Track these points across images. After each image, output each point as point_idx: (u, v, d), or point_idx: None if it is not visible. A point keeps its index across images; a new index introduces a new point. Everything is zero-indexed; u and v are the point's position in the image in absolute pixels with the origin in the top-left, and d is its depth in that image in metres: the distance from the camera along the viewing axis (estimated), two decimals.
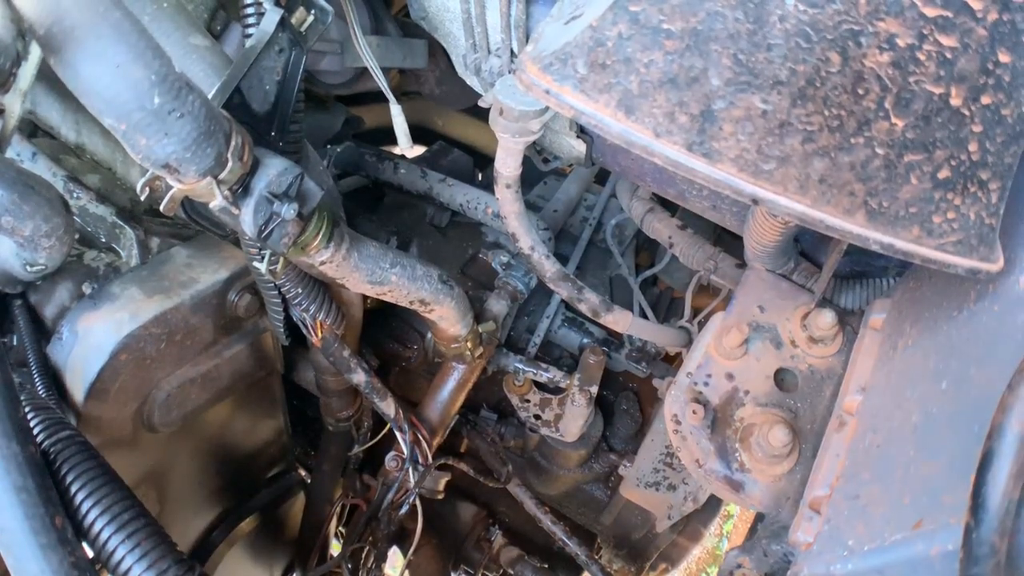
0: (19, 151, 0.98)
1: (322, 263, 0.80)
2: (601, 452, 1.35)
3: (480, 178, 1.63)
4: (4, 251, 0.77)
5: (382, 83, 1.01)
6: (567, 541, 1.37)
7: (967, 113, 0.51)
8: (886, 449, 0.59)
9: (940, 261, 0.55)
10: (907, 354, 0.65)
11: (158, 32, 0.74)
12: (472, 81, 1.00)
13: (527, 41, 0.85)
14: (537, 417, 1.26)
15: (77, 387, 0.84)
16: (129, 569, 0.92)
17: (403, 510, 1.22)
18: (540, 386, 1.28)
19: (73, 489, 0.67)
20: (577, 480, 1.40)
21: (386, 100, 1.03)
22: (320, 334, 0.97)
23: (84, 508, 0.67)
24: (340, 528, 1.60)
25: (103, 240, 0.94)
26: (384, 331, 1.30)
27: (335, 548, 1.56)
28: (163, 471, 1.09)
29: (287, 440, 1.58)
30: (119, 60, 0.52)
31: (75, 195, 0.94)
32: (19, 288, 0.85)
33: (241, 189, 0.67)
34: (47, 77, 0.70)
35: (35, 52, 0.59)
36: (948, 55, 0.49)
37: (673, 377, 1.25)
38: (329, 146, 1.44)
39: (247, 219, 0.68)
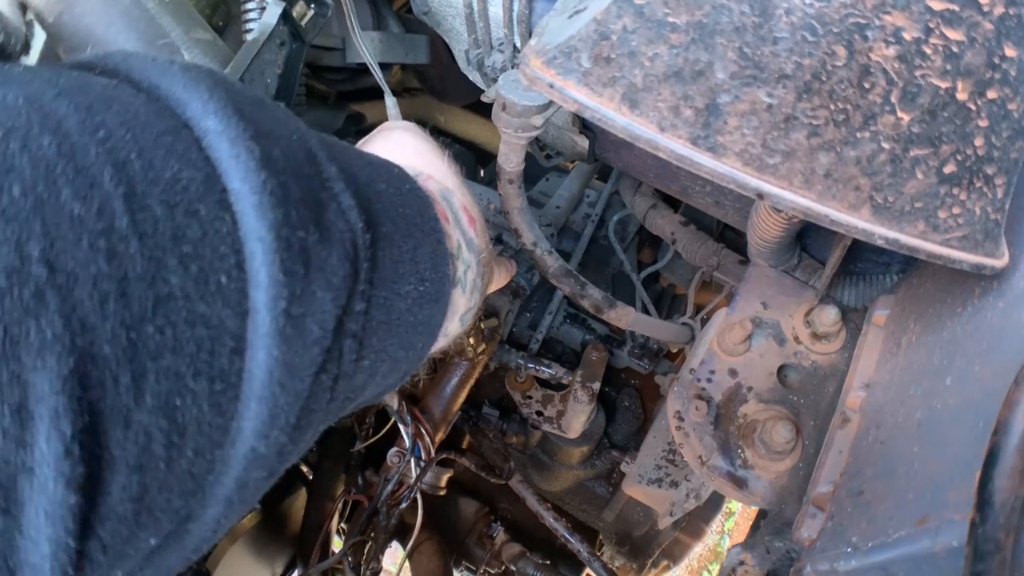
0: None
1: None
2: (603, 449, 1.35)
3: (482, 174, 1.63)
4: None
5: (378, 76, 1.01)
6: (569, 537, 1.37)
7: (973, 108, 0.51)
8: (890, 445, 0.59)
9: (945, 256, 0.55)
10: (911, 350, 0.65)
11: (160, 26, 0.74)
12: (474, 76, 0.99)
13: (530, 36, 0.85)
14: (539, 413, 1.26)
15: None
16: None
17: (404, 504, 1.22)
18: (542, 382, 1.28)
19: None
20: (579, 476, 1.40)
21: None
22: None
23: None
24: (342, 524, 1.60)
25: None
26: None
27: (337, 544, 1.56)
28: None
29: None
30: (128, 49, 0.51)
31: None
32: None
33: None
34: None
35: (39, 39, 0.59)
36: (954, 49, 0.49)
37: (676, 374, 1.25)
38: None
39: None
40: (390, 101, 1.03)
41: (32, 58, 0.58)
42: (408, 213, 0.46)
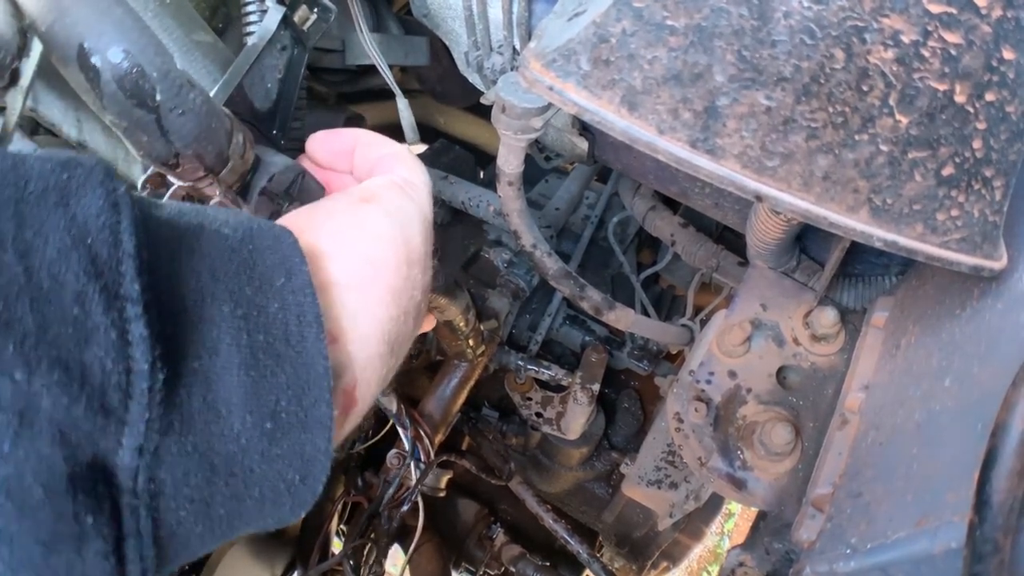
0: (20, 149, 0.98)
1: None
2: (603, 450, 1.35)
3: (482, 176, 1.63)
4: None
5: (389, 79, 1.01)
6: (569, 539, 1.38)
7: (971, 110, 0.51)
8: (889, 447, 0.59)
9: (944, 258, 0.55)
10: (910, 352, 0.65)
11: (161, 28, 0.74)
12: (474, 78, 1.00)
13: (529, 38, 0.85)
14: (539, 415, 1.26)
15: None
16: None
17: (405, 507, 1.22)
18: (542, 384, 1.28)
19: None
20: (579, 478, 1.40)
21: (387, 98, 1.03)
22: None
23: None
24: (341, 526, 1.60)
25: None
26: None
27: (336, 546, 1.56)
28: None
29: None
30: (121, 57, 0.51)
31: None
32: None
33: (242, 187, 0.67)
34: (48, 74, 0.70)
35: (36, 48, 0.59)
36: (952, 52, 0.49)
37: (675, 375, 1.25)
38: None
39: None
40: (402, 103, 1.03)
41: (31, 64, 0.58)
42: (260, 339, 0.38)
